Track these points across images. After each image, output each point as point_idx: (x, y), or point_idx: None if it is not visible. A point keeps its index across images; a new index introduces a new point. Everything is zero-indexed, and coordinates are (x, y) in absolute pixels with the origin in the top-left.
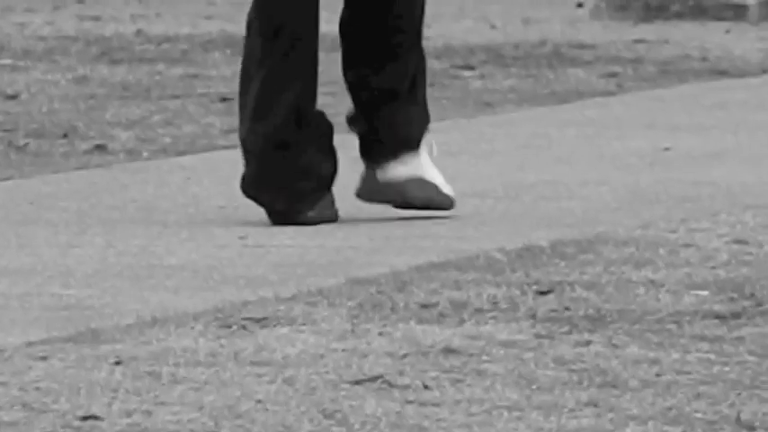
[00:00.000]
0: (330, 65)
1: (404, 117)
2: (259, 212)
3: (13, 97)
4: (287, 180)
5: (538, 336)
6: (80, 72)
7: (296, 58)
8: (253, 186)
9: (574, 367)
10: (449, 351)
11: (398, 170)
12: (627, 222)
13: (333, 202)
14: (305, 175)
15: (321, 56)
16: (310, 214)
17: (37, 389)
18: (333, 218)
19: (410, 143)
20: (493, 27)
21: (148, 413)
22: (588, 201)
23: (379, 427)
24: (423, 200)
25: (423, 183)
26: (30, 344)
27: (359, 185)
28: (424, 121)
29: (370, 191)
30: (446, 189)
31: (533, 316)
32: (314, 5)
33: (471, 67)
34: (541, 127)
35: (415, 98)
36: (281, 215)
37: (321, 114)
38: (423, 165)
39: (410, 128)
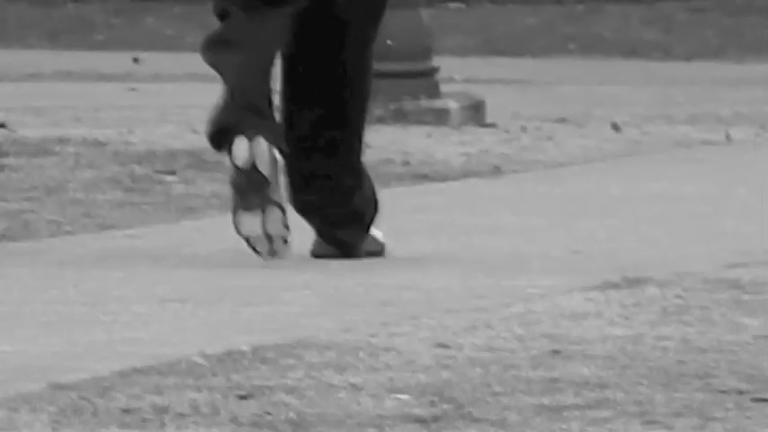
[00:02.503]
0: (31, 170)
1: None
2: None
3: None
4: None
5: None
6: None
7: None
8: None
9: None
10: None
11: None
12: (328, 326)
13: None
14: None
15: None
16: None
17: None
18: None
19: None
20: (194, 131)
21: None
22: (290, 305)
23: None
24: (366, 251)
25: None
26: None
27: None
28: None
29: (320, 246)
30: (380, 237)
31: (235, 420)
32: None
33: (173, 172)
34: None
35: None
36: None
37: None
38: None
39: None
